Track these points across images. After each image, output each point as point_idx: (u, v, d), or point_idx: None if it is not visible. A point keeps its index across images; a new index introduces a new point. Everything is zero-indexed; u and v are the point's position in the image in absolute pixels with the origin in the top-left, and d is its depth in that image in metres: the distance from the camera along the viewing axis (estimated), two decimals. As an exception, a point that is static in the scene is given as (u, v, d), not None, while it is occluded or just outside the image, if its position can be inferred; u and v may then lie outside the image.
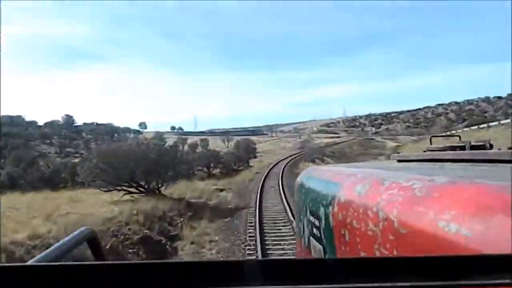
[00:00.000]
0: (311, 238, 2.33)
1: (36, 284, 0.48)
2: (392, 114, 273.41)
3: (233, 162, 52.43)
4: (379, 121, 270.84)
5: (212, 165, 49.12)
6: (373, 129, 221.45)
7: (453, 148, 2.11)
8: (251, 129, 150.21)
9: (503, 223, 0.84)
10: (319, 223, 2.08)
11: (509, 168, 1.31)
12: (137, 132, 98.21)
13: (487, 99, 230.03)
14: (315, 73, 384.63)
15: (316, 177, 2.51)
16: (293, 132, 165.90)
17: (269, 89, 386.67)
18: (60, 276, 0.48)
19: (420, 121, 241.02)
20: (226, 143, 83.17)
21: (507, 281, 0.45)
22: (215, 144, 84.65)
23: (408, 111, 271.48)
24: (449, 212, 1.01)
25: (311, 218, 2.28)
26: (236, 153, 56.55)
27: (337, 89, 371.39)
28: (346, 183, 1.83)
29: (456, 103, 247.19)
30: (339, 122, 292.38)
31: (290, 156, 62.14)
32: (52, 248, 1.18)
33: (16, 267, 0.50)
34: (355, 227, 1.52)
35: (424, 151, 2.41)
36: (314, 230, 2.21)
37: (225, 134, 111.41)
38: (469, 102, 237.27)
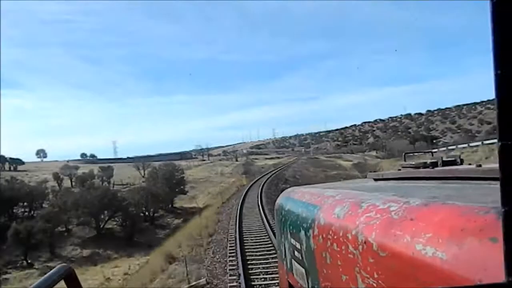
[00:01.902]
0: (293, 261, 2.24)
1: None
2: (321, 133, 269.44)
3: (146, 207, 28.60)
4: (308, 140, 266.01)
5: (104, 216, 24.99)
6: (304, 148, 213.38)
7: (426, 165, 2.07)
8: (178, 152, 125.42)
9: (475, 244, 0.85)
10: (300, 246, 2.01)
11: (478, 185, 1.37)
12: (16, 161, 68.44)
13: (409, 116, 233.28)
14: (241, 97, 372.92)
15: (296, 198, 2.39)
16: (222, 155, 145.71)
17: (196, 113, 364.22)
18: None
19: (348, 139, 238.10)
20: (142, 172, 56.78)
21: None
22: (128, 173, 60.18)
23: (336, 129, 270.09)
24: (425, 234, 1.00)
25: (292, 241, 2.20)
26: (151, 188, 32.58)
27: (264, 112, 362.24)
28: (325, 206, 1.76)
29: (381, 120, 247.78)
30: (269, 143, 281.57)
31: (250, 189, 33.76)
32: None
33: None
34: (336, 250, 1.48)
35: (399, 169, 2.36)
36: (296, 253, 2.14)
37: (145, 159, 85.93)
38: (393, 119, 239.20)
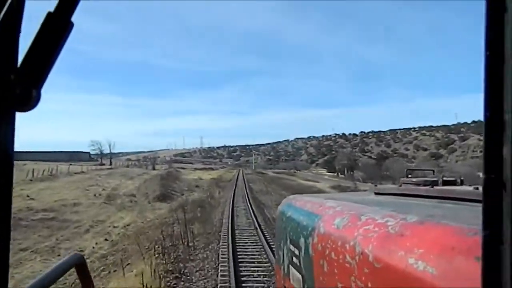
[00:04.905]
0: (290, 266, 2.21)
1: None
2: (251, 146, 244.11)
3: None
4: (238, 152, 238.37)
5: None
6: (232, 160, 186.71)
7: (426, 183, 2.05)
8: (70, 152, 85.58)
9: (463, 262, 0.88)
10: (299, 253, 1.98)
11: (472, 207, 1.39)
12: None
13: (344, 136, 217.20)
14: (169, 103, 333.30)
15: (297, 206, 2.34)
16: (142, 161, 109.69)
17: (120, 116, 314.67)
18: None
19: (280, 154, 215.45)
20: None
21: None
22: None
23: (268, 143, 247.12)
24: (418, 250, 1.03)
25: (291, 247, 2.17)
26: None
27: (192, 121, 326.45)
28: (325, 216, 1.75)
29: (315, 137, 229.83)
30: (195, 151, 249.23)
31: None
32: (43, 275, 1.14)
33: None
34: (333, 259, 1.48)
35: (400, 185, 2.30)
36: (294, 259, 2.11)
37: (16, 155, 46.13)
38: (327, 137, 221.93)
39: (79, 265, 1.34)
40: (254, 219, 16.91)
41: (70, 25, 0.58)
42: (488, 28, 0.46)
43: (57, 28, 0.57)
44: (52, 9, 0.58)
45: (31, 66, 0.56)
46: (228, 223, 15.86)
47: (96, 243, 15.79)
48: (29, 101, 0.56)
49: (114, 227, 18.95)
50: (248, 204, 23.03)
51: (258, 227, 14.52)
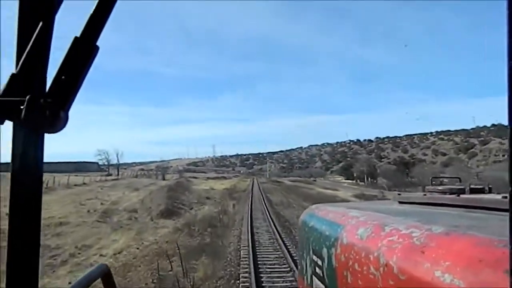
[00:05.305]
0: (313, 277, 2.19)
1: None
2: (264, 154, 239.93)
3: None
4: (250, 160, 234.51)
5: None
6: (245, 168, 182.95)
7: (452, 191, 2.00)
8: (76, 162, 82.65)
9: (492, 275, 0.85)
10: (322, 263, 1.96)
11: (500, 217, 1.31)
12: None
13: (358, 142, 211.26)
14: (179, 112, 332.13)
15: (320, 216, 2.32)
16: (155, 170, 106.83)
17: (130, 126, 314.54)
18: None
19: (294, 161, 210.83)
20: None
21: None
22: None
23: (281, 151, 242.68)
24: (444, 262, 1.00)
25: (314, 257, 2.15)
26: None
27: (203, 129, 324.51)
28: (348, 226, 1.73)
29: (329, 144, 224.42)
30: (207, 160, 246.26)
31: None
32: (72, 285, 1.20)
33: None
34: (357, 270, 1.46)
35: (424, 194, 2.26)
36: (317, 269, 2.09)
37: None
38: (341, 144, 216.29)
39: (106, 275, 1.33)
40: (285, 250, 11.95)
41: (96, 49, 0.62)
42: (510, 36, 0.44)
43: (83, 52, 0.61)
44: (78, 34, 0.61)
45: (59, 90, 0.60)
46: (249, 258, 11.02)
47: (69, 283, 11.51)
48: (58, 123, 0.60)
49: (101, 255, 14.69)
50: (271, 222, 18.44)
51: (295, 268, 9.62)
